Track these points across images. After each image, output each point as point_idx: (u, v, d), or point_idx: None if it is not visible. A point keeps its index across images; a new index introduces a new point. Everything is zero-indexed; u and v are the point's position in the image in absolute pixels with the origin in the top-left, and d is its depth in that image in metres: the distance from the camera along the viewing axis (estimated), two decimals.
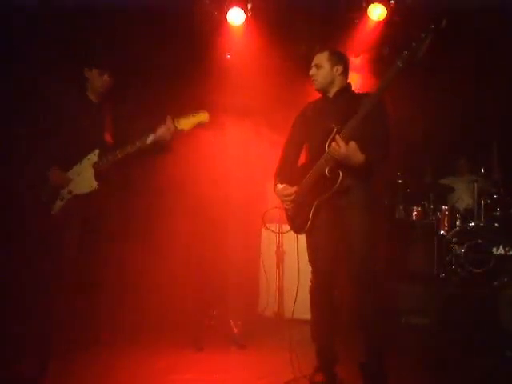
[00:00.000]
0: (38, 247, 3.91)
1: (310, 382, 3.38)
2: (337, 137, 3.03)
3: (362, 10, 5.44)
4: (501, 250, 5.33)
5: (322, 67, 3.38)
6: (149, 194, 5.14)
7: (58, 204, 3.88)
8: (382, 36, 5.60)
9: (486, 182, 5.81)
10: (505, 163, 5.87)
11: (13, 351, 3.66)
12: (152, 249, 4.87)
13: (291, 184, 3.41)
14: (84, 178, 3.88)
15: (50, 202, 3.89)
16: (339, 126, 3.08)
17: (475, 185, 5.63)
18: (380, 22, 5.46)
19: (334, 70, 3.39)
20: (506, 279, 5.16)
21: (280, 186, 3.44)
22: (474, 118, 6.03)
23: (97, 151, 3.90)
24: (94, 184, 3.87)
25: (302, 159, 3.54)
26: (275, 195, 3.53)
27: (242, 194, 5.40)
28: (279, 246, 5.22)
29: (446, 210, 5.82)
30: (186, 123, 3.87)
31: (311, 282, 3.50)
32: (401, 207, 5.91)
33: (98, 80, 4.03)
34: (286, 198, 3.40)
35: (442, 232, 5.72)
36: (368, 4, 5.37)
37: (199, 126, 3.90)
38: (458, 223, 5.76)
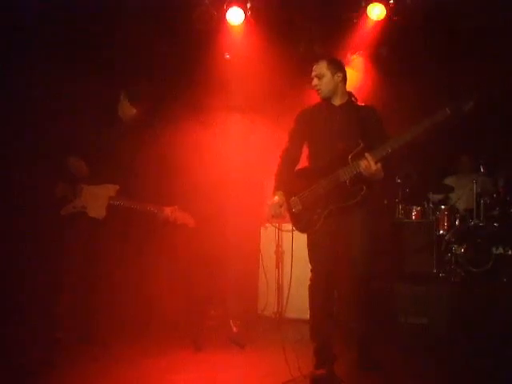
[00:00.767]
0: (44, 242, 4.11)
1: (311, 376, 3.40)
2: (368, 156, 3.26)
3: (362, 10, 5.44)
4: (500, 250, 5.33)
5: (323, 76, 3.50)
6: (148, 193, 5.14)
7: (70, 210, 4.04)
8: (381, 35, 5.60)
9: (486, 182, 5.81)
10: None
11: (17, 347, 3.72)
12: (152, 249, 4.87)
13: (296, 185, 3.52)
14: (98, 203, 4.07)
15: (64, 202, 4.03)
16: (364, 142, 3.34)
17: (475, 184, 5.63)
18: (379, 21, 5.46)
19: (335, 77, 3.52)
20: (505, 279, 5.16)
21: (277, 199, 3.51)
22: (474, 118, 6.02)
23: (117, 187, 4.12)
24: (103, 214, 4.07)
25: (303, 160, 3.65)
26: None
27: (242, 194, 5.40)
28: (278, 245, 5.22)
29: (446, 209, 5.82)
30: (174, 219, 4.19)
31: (311, 280, 3.54)
32: (400, 207, 5.91)
33: (127, 109, 4.23)
34: (277, 211, 3.49)
35: (441, 232, 5.72)
36: (367, 3, 5.38)
37: None
38: (457, 223, 5.76)
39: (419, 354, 4.09)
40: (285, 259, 5.20)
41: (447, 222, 5.78)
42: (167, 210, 4.13)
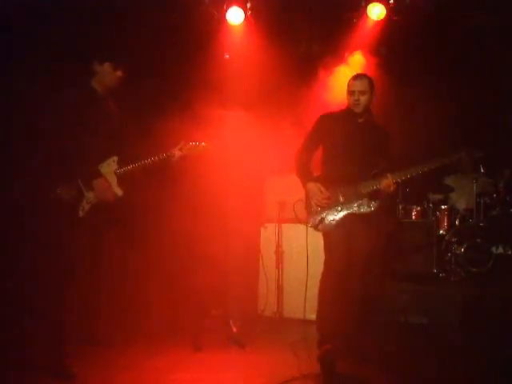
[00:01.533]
0: (53, 245, 3.80)
1: (319, 351, 3.59)
2: (390, 177, 3.67)
3: (362, 10, 5.44)
4: (500, 250, 5.33)
5: (366, 94, 3.77)
6: (147, 193, 5.13)
7: (86, 207, 3.73)
8: (381, 35, 5.60)
9: (486, 182, 5.80)
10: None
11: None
12: (152, 249, 4.87)
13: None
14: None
15: (75, 204, 3.71)
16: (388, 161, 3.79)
17: (475, 184, 5.62)
18: (379, 21, 5.46)
19: (372, 95, 3.81)
20: (505, 279, 5.16)
21: (315, 183, 3.77)
22: (474, 118, 6.02)
23: (115, 158, 3.83)
24: (120, 192, 3.82)
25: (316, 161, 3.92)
26: (275, 194, 3.66)
27: (241, 194, 5.39)
28: (278, 245, 5.22)
29: (446, 209, 5.82)
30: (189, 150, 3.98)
31: (323, 275, 3.74)
32: (400, 207, 5.91)
33: (110, 75, 3.86)
34: (321, 196, 3.72)
35: (441, 231, 5.72)
36: (367, 3, 5.37)
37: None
38: (457, 223, 5.76)
39: (419, 354, 4.09)
40: (285, 259, 5.20)
41: (447, 222, 5.77)
42: (175, 149, 3.90)
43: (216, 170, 5.05)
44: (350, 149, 3.76)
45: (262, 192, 5.48)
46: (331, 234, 3.75)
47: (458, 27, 5.50)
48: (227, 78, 5.49)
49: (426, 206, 5.93)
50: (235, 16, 5.49)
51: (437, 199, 5.98)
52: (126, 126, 3.99)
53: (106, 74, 3.86)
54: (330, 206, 3.75)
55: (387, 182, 3.67)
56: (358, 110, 3.78)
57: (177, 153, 3.91)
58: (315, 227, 3.80)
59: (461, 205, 5.93)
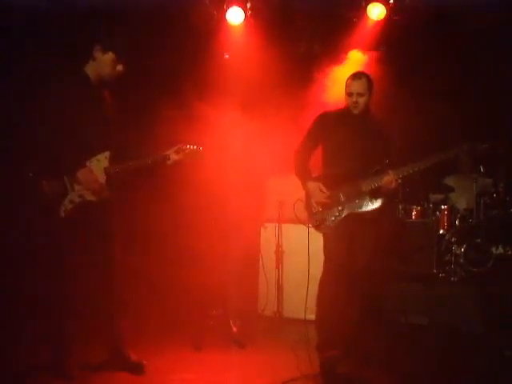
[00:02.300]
0: (44, 248, 3.65)
1: (321, 358, 3.57)
2: (391, 173, 3.59)
3: (362, 10, 5.44)
4: (500, 250, 5.32)
5: (365, 95, 3.70)
6: (147, 195, 5.13)
7: (68, 207, 3.45)
8: (381, 35, 5.60)
9: (486, 182, 5.80)
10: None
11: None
12: (151, 249, 4.87)
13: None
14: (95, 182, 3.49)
15: (58, 203, 3.45)
16: (388, 159, 3.67)
17: (475, 184, 5.62)
18: (379, 21, 5.46)
19: (371, 93, 3.75)
20: (505, 279, 5.16)
21: (314, 182, 3.72)
22: (474, 118, 6.02)
23: (107, 153, 3.52)
24: (105, 193, 3.52)
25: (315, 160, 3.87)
26: (275, 194, 3.65)
27: (241, 194, 5.39)
28: (278, 245, 5.21)
29: (446, 209, 5.82)
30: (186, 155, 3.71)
31: (322, 276, 3.71)
32: (400, 207, 5.90)
33: (110, 67, 3.49)
34: (321, 195, 3.69)
35: (441, 231, 5.72)
36: (367, 3, 5.37)
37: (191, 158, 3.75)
38: (457, 223, 5.76)
39: (419, 353, 4.08)
40: (285, 259, 5.20)
41: (447, 222, 5.77)
42: (171, 151, 3.63)
43: (216, 170, 5.05)
44: (350, 147, 3.71)
45: (262, 192, 5.48)
46: (332, 234, 3.70)
47: (458, 27, 5.50)
48: (227, 77, 5.49)
49: (425, 206, 5.93)
50: (235, 16, 5.49)
51: (437, 199, 5.98)
52: (120, 119, 3.68)
53: (106, 65, 3.48)
54: (331, 205, 3.70)
55: (388, 179, 3.59)
56: (357, 111, 3.73)
57: (172, 156, 3.64)
58: (316, 228, 3.76)
59: (461, 205, 5.93)
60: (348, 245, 3.67)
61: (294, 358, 3.55)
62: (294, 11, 5.56)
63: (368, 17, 5.44)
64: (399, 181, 3.64)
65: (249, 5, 5.47)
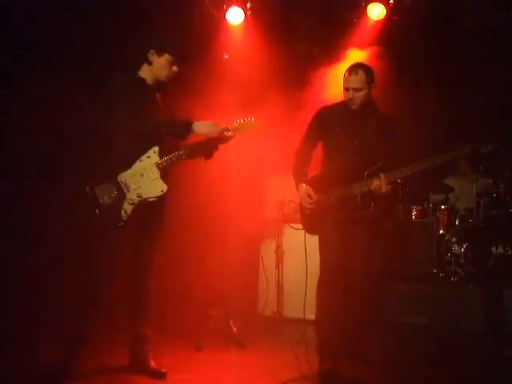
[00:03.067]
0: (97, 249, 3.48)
1: (319, 370, 3.50)
2: (382, 177, 3.42)
3: (361, 10, 5.44)
4: (500, 250, 5.32)
5: (362, 89, 3.50)
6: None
7: (128, 208, 3.34)
8: (381, 35, 5.59)
9: (486, 182, 5.80)
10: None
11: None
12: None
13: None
14: (151, 180, 3.38)
15: (117, 206, 3.33)
16: (383, 162, 3.49)
17: (474, 184, 5.62)
18: (379, 21, 5.46)
19: (371, 87, 3.55)
20: (505, 279, 5.16)
21: (305, 186, 3.63)
22: (474, 117, 6.03)
23: (156, 149, 3.40)
24: (165, 187, 3.41)
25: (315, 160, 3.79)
26: (275, 194, 3.62)
27: (242, 194, 5.39)
28: (278, 245, 5.22)
29: (446, 209, 5.82)
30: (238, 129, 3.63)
31: (319, 278, 3.66)
32: (400, 207, 5.90)
33: (167, 68, 3.47)
34: (308, 201, 3.59)
35: (441, 231, 5.72)
36: (367, 3, 5.37)
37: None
38: (457, 223, 5.76)
39: (419, 353, 4.08)
40: (285, 259, 5.20)
41: (447, 222, 5.77)
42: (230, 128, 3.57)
43: (216, 170, 5.05)
44: (346, 146, 3.59)
45: (263, 192, 5.48)
46: (324, 237, 3.65)
47: (458, 27, 5.50)
48: (226, 77, 5.49)
49: (425, 206, 5.93)
50: (235, 16, 5.49)
51: (437, 199, 5.99)
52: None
53: (163, 67, 3.47)
54: (321, 209, 3.59)
55: (377, 183, 3.43)
56: (355, 106, 3.56)
57: (231, 133, 3.56)
58: (308, 230, 3.72)
59: (461, 205, 5.93)
60: (342, 249, 3.59)
61: (293, 358, 3.55)
62: (294, 11, 5.56)
63: (368, 17, 5.45)
64: (399, 181, 3.54)
65: (249, 5, 5.48)
